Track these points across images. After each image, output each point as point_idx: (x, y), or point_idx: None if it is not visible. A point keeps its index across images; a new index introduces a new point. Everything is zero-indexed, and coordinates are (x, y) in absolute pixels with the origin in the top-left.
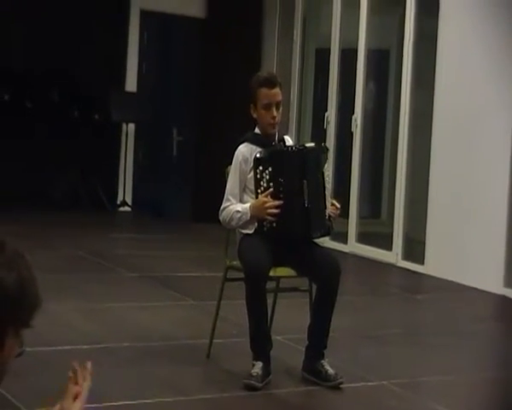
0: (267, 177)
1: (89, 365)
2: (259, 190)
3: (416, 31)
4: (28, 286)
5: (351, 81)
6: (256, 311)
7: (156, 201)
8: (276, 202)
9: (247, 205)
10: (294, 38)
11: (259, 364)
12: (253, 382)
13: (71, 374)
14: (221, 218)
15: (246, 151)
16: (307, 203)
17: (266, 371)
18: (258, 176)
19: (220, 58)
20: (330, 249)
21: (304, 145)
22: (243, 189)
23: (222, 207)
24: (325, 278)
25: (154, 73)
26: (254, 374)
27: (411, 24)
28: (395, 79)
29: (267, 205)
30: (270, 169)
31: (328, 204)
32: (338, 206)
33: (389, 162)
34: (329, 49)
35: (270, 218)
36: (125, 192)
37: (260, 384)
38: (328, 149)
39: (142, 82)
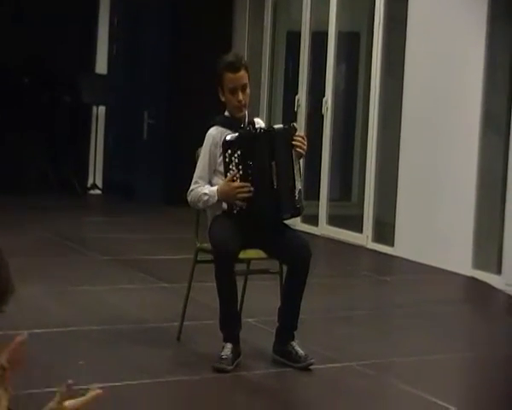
0: (236, 160)
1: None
2: (229, 174)
3: (385, 14)
4: None
5: (321, 64)
6: (225, 291)
7: (127, 184)
8: (245, 185)
9: (215, 188)
10: (265, 20)
11: (229, 345)
12: (223, 365)
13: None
14: (189, 199)
15: (216, 134)
16: (276, 185)
17: (236, 352)
18: (227, 159)
19: (191, 40)
20: (301, 232)
21: (272, 126)
22: (213, 171)
23: (190, 189)
24: (296, 260)
25: (125, 56)
26: (224, 357)
27: (381, 7)
28: (366, 62)
29: (238, 190)
30: (238, 152)
31: (299, 184)
32: (303, 136)
33: (359, 145)
34: (300, 32)
35: (239, 203)
36: (96, 175)
37: (231, 367)
38: (296, 129)
39: (112, 64)
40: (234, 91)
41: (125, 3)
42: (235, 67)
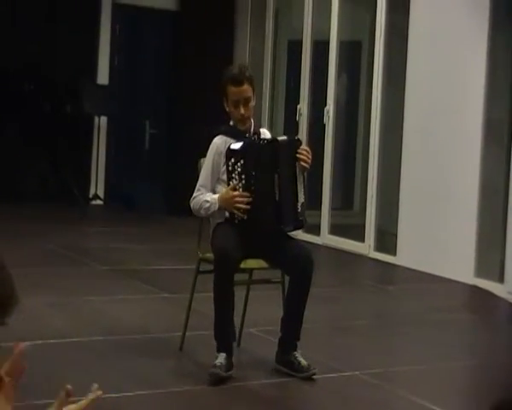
0: (239, 169)
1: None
2: (231, 183)
3: (387, 23)
4: (1, 284)
5: (323, 73)
6: (222, 300)
7: (128, 194)
8: (245, 195)
9: (216, 196)
10: (266, 29)
11: (223, 355)
12: (217, 371)
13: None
14: (191, 205)
15: (220, 144)
16: (278, 197)
17: (229, 363)
18: (230, 168)
19: (192, 50)
20: (303, 241)
21: (276, 138)
22: (217, 180)
23: (192, 196)
24: (298, 270)
25: (127, 66)
26: (218, 364)
27: (382, 17)
28: (367, 71)
29: (236, 199)
30: (241, 162)
31: (302, 196)
32: (307, 149)
33: (361, 154)
34: (301, 41)
35: (237, 212)
36: (97, 185)
37: (225, 374)
38: (300, 142)
39: (114, 75)
40: (236, 105)
41: (126, 13)
42: (237, 80)
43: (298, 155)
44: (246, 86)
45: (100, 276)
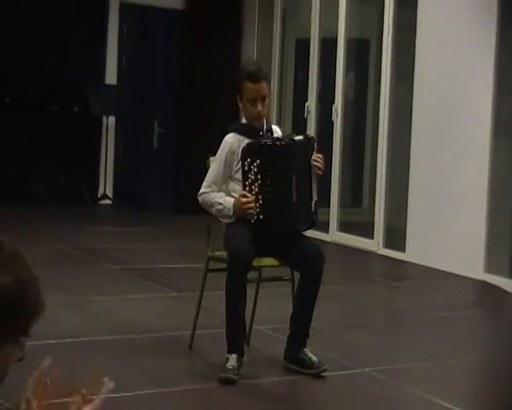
0: (255, 169)
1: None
2: (247, 183)
3: (395, 20)
4: (27, 289)
5: (331, 71)
6: (234, 300)
7: (137, 193)
8: (252, 199)
9: (231, 201)
10: (274, 28)
11: (234, 356)
12: (230, 375)
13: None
14: (200, 199)
15: (233, 142)
16: (295, 197)
17: (240, 363)
18: (246, 168)
19: (200, 50)
20: (312, 239)
21: (292, 138)
22: (229, 177)
23: (203, 191)
24: (309, 267)
25: (134, 66)
26: (230, 367)
27: (390, 14)
28: (375, 69)
29: (245, 206)
30: (258, 162)
31: (315, 194)
32: (321, 156)
33: (370, 151)
34: (309, 39)
35: (250, 216)
36: (106, 185)
37: (237, 377)
38: (315, 141)
39: (122, 74)
40: (253, 102)
41: (134, 13)
42: (256, 77)
43: (313, 163)
44: (263, 84)
45: (110, 275)
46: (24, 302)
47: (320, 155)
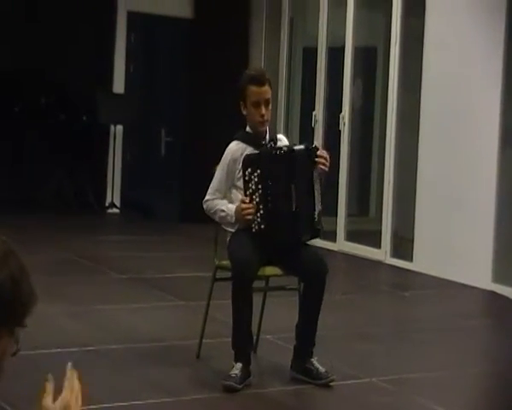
0: (255, 179)
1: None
2: (248, 192)
3: (402, 29)
4: (20, 284)
5: (338, 79)
6: (241, 311)
7: (145, 202)
8: (251, 205)
9: (233, 208)
10: (282, 37)
11: (239, 365)
12: (231, 383)
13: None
14: (204, 207)
15: (236, 150)
16: (295, 207)
17: (246, 372)
18: (247, 177)
19: (207, 58)
20: (318, 248)
21: (292, 148)
22: (233, 184)
23: (207, 198)
24: (312, 276)
25: (142, 74)
26: (233, 375)
27: (398, 22)
28: (382, 77)
29: (244, 213)
30: (258, 171)
31: (318, 204)
32: (326, 153)
33: (377, 160)
34: (317, 48)
35: (249, 223)
36: (114, 194)
37: (239, 386)
38: (318, 149)
39: (129, 83)
40: (257, 105)
41: (141, 22)
42: (259, 80)
43: (317, 160)
44: (267, 87)
45: (116, 284)
46: (17, 296)
47: (325, 152)
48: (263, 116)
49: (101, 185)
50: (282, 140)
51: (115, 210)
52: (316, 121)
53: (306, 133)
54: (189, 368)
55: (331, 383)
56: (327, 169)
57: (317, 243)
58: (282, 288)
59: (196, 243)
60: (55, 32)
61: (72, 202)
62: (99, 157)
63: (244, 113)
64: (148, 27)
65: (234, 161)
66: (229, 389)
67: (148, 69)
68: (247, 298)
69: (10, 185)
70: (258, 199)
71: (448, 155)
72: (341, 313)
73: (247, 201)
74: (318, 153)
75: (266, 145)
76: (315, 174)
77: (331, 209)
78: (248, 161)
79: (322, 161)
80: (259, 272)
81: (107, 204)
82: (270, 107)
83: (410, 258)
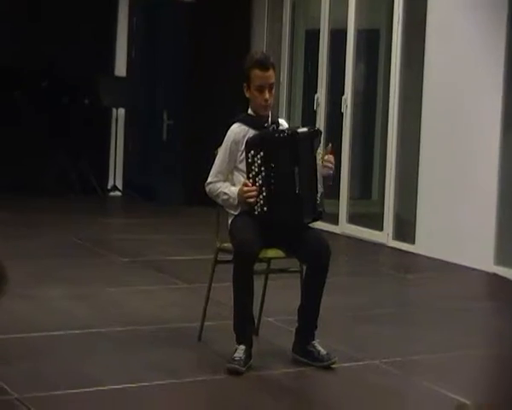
0: (258, 161)
1: None
2: (251, 175)
3: (404, 11)
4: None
5: (340, 62)
6: (241, 292)
7: (147, 185)
8: (253, 188)
9: (236, 191)
10: (284, 19)
11: (242, 347)
12: (236, 366)
13: None
14: (207, 189)
15: (238, 132)
16: (298, 189)
17: (249, 354)
18: (250, 160)
19: (209, 41)
20: (321, 230)
21: (296, 130)
22: (235, 167)
23: (209, 181)
24: (315, 258)
25: (144, 58)
26: (237, 358)
27: (400, 4)
28: (385, 59)
29: (246, 195)
30: (261, 154)
31: (321, 187)
32: (332, 157)
33: (379, 142)
34: (319, 30)
35: (251, 206)
36: (116, 177)
37: (243, 369)
38: (320, 133)
39: (131, 67)
40: (261, 89)
41: (143, 6)
42: (264, 65)
43: (324, 164)
44: (271, 72)
45: (119, 267)
46: None
47: (331, 157)
48: (266, 101)
49: (104, 168)
50: (283, 124)
51: (117, 193)
52: (318, 104)
53: (309, 116)
54: (190, 350)
55: (333, 366)
56: (331, 172)
57: (320, 225)
58: (284, 270)
59: (198, 225)
60: (57, 17)
61: (75, 186)
62: (101, 140)
63: (247, 95)
64: (149, 11)
65: (236, 143)
66: (234, 372)
67: (150, 52)
68: (247, 280)
69: (12, 170)
70: (260, 181)
71: (450, 137)
72: (344, 295)
73: (250, 183)
74: (326, 158)
75: (269, 128)
76: (318, 158)
77: (333, 192)
78: (252, 144)
79: (330, 165)
80: (261, 255)
81: (109, 187)
82: (273, 91)
83: (412, 240)
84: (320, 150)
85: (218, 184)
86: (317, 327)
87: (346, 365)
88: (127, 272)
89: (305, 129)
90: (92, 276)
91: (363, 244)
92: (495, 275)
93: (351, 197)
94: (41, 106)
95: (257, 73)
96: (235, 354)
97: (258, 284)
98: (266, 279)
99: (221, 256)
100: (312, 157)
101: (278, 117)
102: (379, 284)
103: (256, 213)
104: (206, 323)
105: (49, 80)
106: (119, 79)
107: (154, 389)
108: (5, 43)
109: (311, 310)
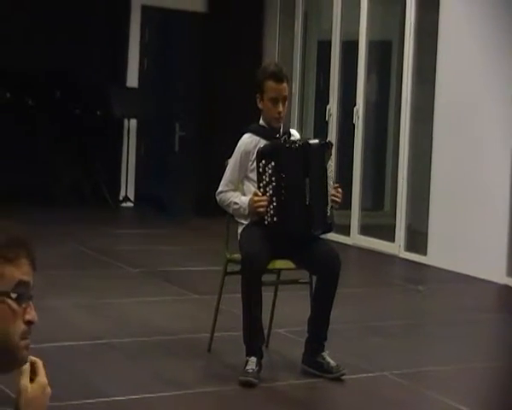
0: (269, 171)
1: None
2: (261, 184)
3: (416, 22)
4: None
5: (352, 73)
6: (250, 304)
7: (158, 196)
8: (263, 198)
9: (247, 200)
10: (296, 30)
11: (253, 359)
12: (250, 378)
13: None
14: (218, 199)
15: (249, 143)
16: (308, 201)
17: (260, 366)
18: (261, 170)
19: (221, 52)
20: (332, 242)
21: (308, 142)
22: (246, 176)
23: (220, 190)
24: (325, 269)
25: (156, 69)
26: (250, 371)
27: (412, 16)
28: (397, 71)
29: (256, 205)
30: (272, 164)
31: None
32: (340, 191)
33: (391, 154)
34: (331, 42)
35: (261, 216)
36: (128, 188)
37: (257, 381)
38: (332, 145)
39: (143, 77)
40: (275, 102)
41: (155, 16)
42: (278, 77)
43: (332, 198)
44: (285, 84)
45: (130, 278)
46: None
47: (339, 191)
48: (280, 113)
49: (116, 179)
50: (295, 135)
51: (129, 204)
52: (330, 115)
53: (320, 127)
54: (200, 361)
55: (342, 377)
56: (337, 206)
57: (331, 236)
58: (294, 281)
59: (209, 236)
60: (69, 27)
61: (87, 197)
62: (113, 151)
63: (260, 106)
64: (162, 21)
65: (247, 153)
66: (248, 385)
67: (162, 63)
68: (255, 291)
69: (25, 180)
70: (271, 191)
71: (462, 149)
72: (355, 306)
73: (260, 193)
74: (333, 192)
75: (280, 139)
76: (328, 170)
77: (345, 203)
78: (263, 153)
79: (337, 200)
80: (270, 265)
81: (121, 198)
82: (286, 103)
83: (424, 252)
84: (331, 162)
85: (229, 194)
86: (326, 338)
87: (355, 376)
88: (138, 283)
89: (316, 141)
90: (102, 287)
91: (375, 256)
92: (507, 287)
93: (362, 208)
94: (53, 117)
95: (271, 85)
96: (248, 367)
97: (267, 295)
98: (276, 290)
99: (231, 267)
100: (323, 169)
101: (290, 128)
102: (390, 296)
103: (266, 222)
104: (215, 334)
105: (62, 91)
106: (132, 89)
107: (164, 401)
108: (19, 51)
109: (320, 321)
